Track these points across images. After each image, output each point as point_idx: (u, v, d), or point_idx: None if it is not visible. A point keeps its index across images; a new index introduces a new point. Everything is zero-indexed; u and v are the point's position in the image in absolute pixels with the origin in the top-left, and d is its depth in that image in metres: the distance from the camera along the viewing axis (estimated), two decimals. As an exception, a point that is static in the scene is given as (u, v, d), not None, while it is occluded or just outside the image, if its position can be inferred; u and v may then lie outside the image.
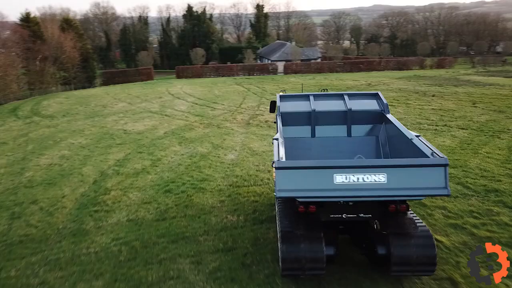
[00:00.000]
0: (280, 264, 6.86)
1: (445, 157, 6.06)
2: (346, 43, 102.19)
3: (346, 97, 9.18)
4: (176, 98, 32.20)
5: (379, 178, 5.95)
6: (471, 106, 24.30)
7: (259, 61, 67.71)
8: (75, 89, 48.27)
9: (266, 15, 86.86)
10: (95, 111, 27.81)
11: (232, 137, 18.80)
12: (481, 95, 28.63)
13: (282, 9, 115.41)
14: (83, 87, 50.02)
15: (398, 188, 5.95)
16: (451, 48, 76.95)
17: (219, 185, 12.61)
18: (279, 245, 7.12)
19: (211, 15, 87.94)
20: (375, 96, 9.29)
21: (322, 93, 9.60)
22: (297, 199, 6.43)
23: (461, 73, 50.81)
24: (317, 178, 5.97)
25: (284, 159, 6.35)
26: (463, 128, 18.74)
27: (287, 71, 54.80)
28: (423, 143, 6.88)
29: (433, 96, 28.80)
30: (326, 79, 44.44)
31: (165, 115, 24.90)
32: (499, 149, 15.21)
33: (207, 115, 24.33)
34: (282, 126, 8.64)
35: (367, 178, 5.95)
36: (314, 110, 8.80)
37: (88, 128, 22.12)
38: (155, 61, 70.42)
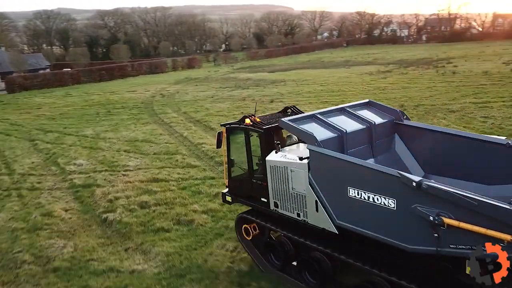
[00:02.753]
0: None
1: None
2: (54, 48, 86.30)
3: (351, 110, 7.72)
4: None
5: None
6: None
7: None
8: None
9: None
10: None
11: None
12: (321, 94, 25.36)
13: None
14: None
15: None
16: (190, 47, 75.97)
17: None
18: None
19: None
20: (370, 104, 8.12)
21: (326, 109, 7.70)
22: None
23: (222, 72, 48.63)
24: None
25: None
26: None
27: (13, 88, 38.38)
28: None
29: (271, 101, 23.32)
30: (94, 94, 32.43)
31: None
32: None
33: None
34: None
35: None
36: (346, 132, 6.96)
37: None
38: None
